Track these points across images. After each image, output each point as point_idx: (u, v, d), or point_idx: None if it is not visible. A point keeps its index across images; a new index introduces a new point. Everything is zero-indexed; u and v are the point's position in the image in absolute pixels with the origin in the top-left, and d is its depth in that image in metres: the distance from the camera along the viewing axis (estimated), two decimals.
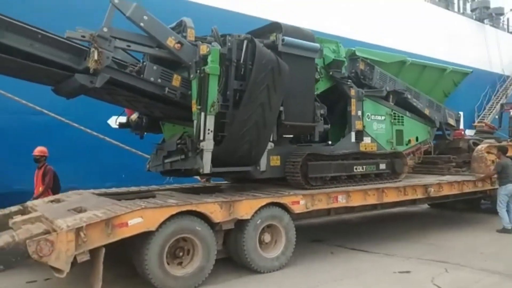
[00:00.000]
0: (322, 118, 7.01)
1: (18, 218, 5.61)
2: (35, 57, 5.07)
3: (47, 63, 5.15)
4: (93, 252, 4.50)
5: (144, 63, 5.68)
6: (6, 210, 6.37)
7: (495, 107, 23.50)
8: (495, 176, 8.99)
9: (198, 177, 8.42)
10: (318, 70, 7.15)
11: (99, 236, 4.54)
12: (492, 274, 5.61)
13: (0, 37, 4.79)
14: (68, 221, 4.61)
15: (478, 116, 23.33)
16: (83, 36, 5.15)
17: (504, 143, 10.96)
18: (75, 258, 4.37)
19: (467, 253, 6.75)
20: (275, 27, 6.72)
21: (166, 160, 6.55)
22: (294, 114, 6.48)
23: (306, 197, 6.22)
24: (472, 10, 27.03)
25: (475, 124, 19.67)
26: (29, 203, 6.59)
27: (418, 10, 21.18)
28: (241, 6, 13.61)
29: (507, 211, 8.62)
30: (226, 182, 8.53)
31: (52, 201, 6.58)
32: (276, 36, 6.40)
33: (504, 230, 8.43)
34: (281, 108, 6.24)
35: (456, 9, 25.70)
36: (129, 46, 5.51)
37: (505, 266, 5.98)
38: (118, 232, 4.66)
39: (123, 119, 7.53)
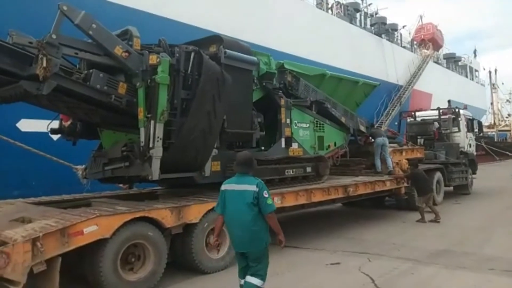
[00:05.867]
0: (258, 126, 7.54)
1: None
2: None
3: None
4: (49, 262, 4.46)
5: (91, 71, 5.66)
6: None
7: (391, 114, 26.30)
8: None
9: (120, 185, 8.42)
10: (254, 81, 7.66)
11: (55, 245, 4.52)
12: (406, 261, 6.59)
13: None
14: (19, 232, 4.51)
15: (377, 121, 25.88)
16: (31, 43, 5.05)
17: (404, 146, 12.60)
18: (31, 269, 4.31)
19: (382, 245, 7.75)
20: (215, 39, 7.10)
21: (107, 167, 6.52)
22: (235, 122, 6.93)
23: None
24: (371, 25, 29.85)
25: None
26: None
27: (328, 24, 22.92)
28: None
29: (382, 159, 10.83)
30: (160, 188, 8.62)
31: None
32: (218, 48, 6.78)
33: (377, 173, 10.71)
34: (224, 117, 6.62)
35: (358, 24, 28.16)
36: (76, 53, 5.47)
37: (414, 253, 7.03)
38: (74, 241, 4.67)
39: (55, 124, 7.28)
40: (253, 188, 4.14)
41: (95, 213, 5.00)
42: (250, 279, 4.18)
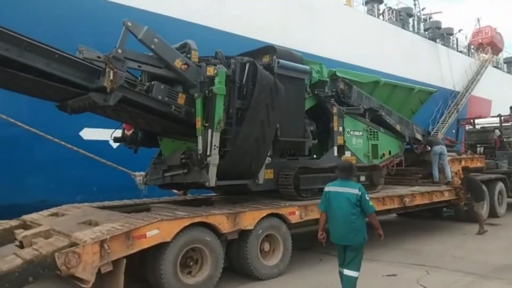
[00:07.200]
0: (311, 134, 7.56)
1: (23, 232, 5.72)
2: (49, 75, 5.25)
3: (60, 81, 5.35)
4: (115, 263, 4.73)
5: (153, 82, 5.97)
6: (6, 224, 6.39)
7: (447, 121, 25.23)
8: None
9: (175, 191, 8.69)
10: (307, 89, 7.71)
11: (121, 247, 4.79)
12: (467, 274, 6.31)
13: (18, 56, 4.94)
14: (88, 234, 4.82)
15: (432, 129, 24.91)
16: (99, 57, 5.42)
17: (463, 155, 12.08)
18: (98, 269, 4.59)
19: (441, 257, 7.46)
20: (269, 49, 7.24)
21: (167, 174, 6.79)
22: (288, 131, 7.01)
23: (300, 208, 6.72)
24: (425, 30, 28.94)
25: None
26: (26, 217, 6.62)
27: (380, 29, 22.50)
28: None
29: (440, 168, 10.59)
30: (214, 194, 8.82)
31: (51, 215, 6.66)
32: (272, 58, 6.91)
33: (435, 183, 10.45)
34: (277, 125, 6.71)
35: (411, 29, 27.40)
36: (139, 66, 5.81)
37: (475, 267, 6.71)
38: (137, 243, 4.93)
39: (118, 133, 7.68)
40: (356, 191, 4.86)
41: (157, 218, 5.23)
42: (348, 272, 4.87)
